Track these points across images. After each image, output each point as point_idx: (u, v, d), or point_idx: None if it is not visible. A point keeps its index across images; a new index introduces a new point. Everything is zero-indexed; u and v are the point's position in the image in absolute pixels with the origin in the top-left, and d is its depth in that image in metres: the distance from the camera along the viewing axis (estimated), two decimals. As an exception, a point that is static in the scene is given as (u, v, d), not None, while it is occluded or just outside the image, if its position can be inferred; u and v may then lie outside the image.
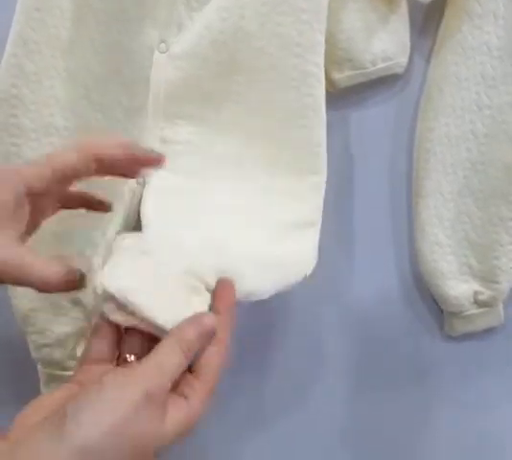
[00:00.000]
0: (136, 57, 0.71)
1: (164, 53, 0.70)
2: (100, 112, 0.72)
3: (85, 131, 0.72)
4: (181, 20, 0.70)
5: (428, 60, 0.78)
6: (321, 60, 0.69)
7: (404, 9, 0.74)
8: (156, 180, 0.70)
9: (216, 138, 0.71)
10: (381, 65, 0.75)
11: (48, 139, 0.73)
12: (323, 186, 0.71)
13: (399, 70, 0.76)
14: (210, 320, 0.53)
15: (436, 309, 0.83)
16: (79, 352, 0.77)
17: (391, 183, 0.80)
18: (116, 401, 0.45)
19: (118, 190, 0.71)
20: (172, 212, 0.69)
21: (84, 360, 0.53)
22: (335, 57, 0.73)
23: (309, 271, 0.68)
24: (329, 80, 0.74)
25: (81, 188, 0.61)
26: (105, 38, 0.71)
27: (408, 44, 0.76)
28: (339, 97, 0.77)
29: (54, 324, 0.76)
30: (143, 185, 0.71)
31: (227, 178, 0.71)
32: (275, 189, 0.71)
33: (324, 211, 0.71)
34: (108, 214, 0.68)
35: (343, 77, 0.75)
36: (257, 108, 0.70)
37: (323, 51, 0.69)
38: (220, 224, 0.69)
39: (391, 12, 0.74)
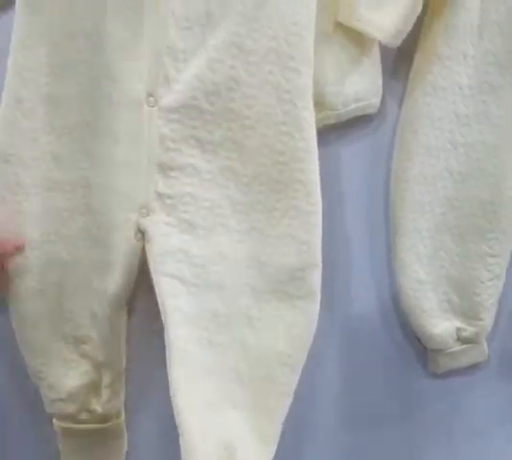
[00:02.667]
0: (124, 111, 0.71)
1: (153, 106, 0.71)
2: (97, 166, 0.72)
3: (85, 184, 0.73)
4: (168, 72, 0.70)
5: (400, 101, 0.78)
6: (310, 103, 0.71)
7: (375, 51, 0.75)
8: (159, 237, 0.71)
9: (211, 186, 0.72)
10: (353, 106, 0.75)
11: (49, 193, 0.73)
12: (319, 223, 0.72)
13: (371, 111, 0.77)
14: None
15: (420, 345, 0.82)
16: (91, 404, 0.76)
17: (368, 221, 0.81)
18: None
19: (114, 243, 0.72)
20: None
21: None
22: None
23: None
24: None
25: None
26: (93, 93, 0.71)
27: (381, 85, 0.76)
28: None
29: (64, 378, 0.75)
30: (141, 240, 0.71)
31: (224, 225, 0.72)
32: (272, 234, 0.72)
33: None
34: (105, 269, 0.71)
35: (315, 119, 0.74)
36: (252, 155, 0.71)
37: (311, 93, 0.70)
38: None
39: (363, 55, 0.75)
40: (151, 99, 0.71)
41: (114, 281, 0.73)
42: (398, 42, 0.71)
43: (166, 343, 0.69)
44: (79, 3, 0.70)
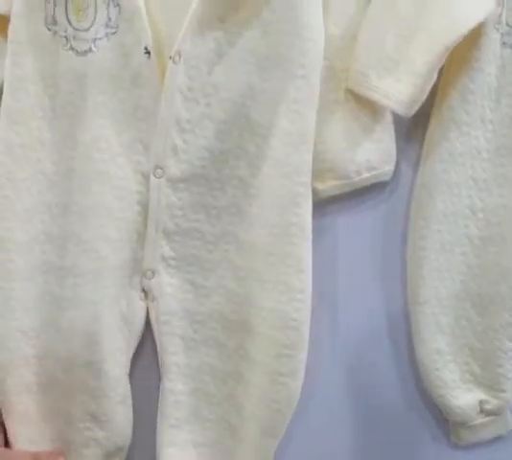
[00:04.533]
0: (125, 185, 0.70)
1: (161, 178, 0.70)
2: (89, 249, 0.70)
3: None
4: (175, 143, 0.69)
5: (415, 167, 0.75)
6: (308, 179, 0.70)
7: (388, 117, 0.72)
8: (163, 297, 0.72)
9: (213, 248, 0.72)
10: (365, 175, 0.73)
11: (44, 277, 0.72)
12: (309, 300, 0.70)
13: (385, 178, 0.74)
14: None
15: (442, 416, 0.79)
16: None
17: (385, 291, 0.78)
18: None
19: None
20: None
21: None
22: (316, 167, 0.71)
23: None
24: (312, 190, 0.72)
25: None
26: (88, 168, 0.70)
27: (394, 152, 0.74)
28: (326, 203, 0.75)
29: None
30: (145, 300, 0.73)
31: (224, 287, 0.72)
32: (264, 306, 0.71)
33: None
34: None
35: (326, 187, 0.73)
36: (252, 222, 0.71)
37: (310, 169, 0.70)
38: None
39: (375, 122, 0.72)
40: (159, 171, 0.70)
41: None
42: (412, 112, 0.68)
43: (160, 395, 0.73)
44: (73, 80, 0.69)
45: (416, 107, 0.68)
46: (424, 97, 0.67)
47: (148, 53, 0.67)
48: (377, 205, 0.76)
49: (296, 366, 0.71)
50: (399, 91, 0.67)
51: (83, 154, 0.70)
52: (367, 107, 0.71)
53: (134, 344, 0.73)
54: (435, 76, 0.67)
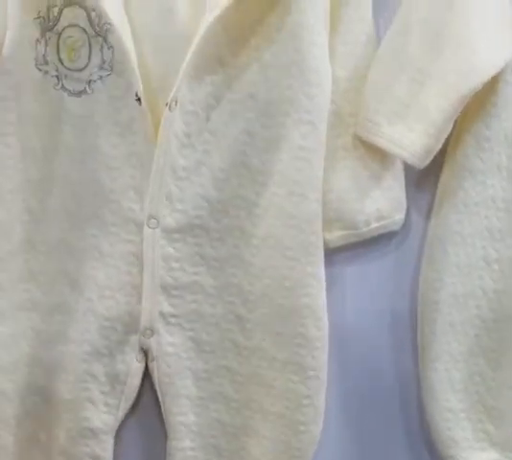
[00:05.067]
0: (118, 233, 0.67)
1: (155, 228, 0.66)
2: (80, 290, 0.68)
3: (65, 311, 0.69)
4: (170, 192, 0.66)
5: (426, 214, 0.72)
6: (319, 228, 0.67)
7: (398, 164, 0.68)
8: (164, 357, 0.69)
9: (217, 302, 0.68)
10: (375, 225, 0.69)
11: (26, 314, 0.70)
12: (326, 348, 0.68)
13: (395, 228, 0.71)
14: None
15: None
16: None
17: (393, 345, 0.74)
18: None
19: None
20: None
21: None
22: (324, 217, 0.68)
23: None
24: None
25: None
26: (80, 211, 0.67)
27: (404, 201, 0.70)
28: (333, 252, 0.71)
29: None
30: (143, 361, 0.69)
31: (231, 340, 0.69)
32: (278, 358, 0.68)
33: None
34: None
35: (334, 237, 0.70)
36: (257, 274, 0.68)
37: (321, 218, 0.67)
38: None
39: (384, 169, 0.68)
40: (154, 221, 0.66)
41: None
42: (425, 164, 0.64)
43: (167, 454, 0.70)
44: (66, 120, 0.66)
45: (430, 158, 0.64)
46: (438, 147, 0.64)
47: (138, 99, 0.63)
48: (386, 255, 0.73)
49: (317, 411, 0.68)
50: (412, 141, 0.63)
51: (76, 195, 0.67)
52: (376, 154, 0.68)
53: (126, 405, 0.70)
54: (451, 125, 0.63)
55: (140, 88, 0.63)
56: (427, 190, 0.72)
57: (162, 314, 0.68)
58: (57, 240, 0.68)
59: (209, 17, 0.60)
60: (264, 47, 0.63)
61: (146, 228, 0.66)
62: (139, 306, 0.68)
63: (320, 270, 0.67)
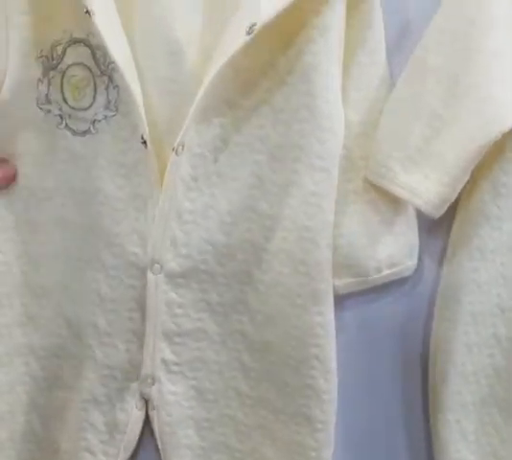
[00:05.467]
0: (119, 277, 0.65)
1: (159, 274, 0.64)
2: (79, 336, 0.66)
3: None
4: (174, 235, 0.63)
5: (439, 259, 0.69)
6: (329, 275, 0.64)
7: (410, 209, 0.66)
8: (166, 406, 0.66)
9: (221, 349, 0.66)
10: (386, 272, 0.67)
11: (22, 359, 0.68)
12: (335, 401, 0.66)
13: (407, 274, 0.68)
14: None
15: None
16: None
17: (403, 394, 0.71)
18: None
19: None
20: None
21: None
22: (334, 263, 0.65)
23: None
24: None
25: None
26: (79, 254, 0.65)
27: (417, 246, 0.68)
28: (342, 297, 0.68)
29: None
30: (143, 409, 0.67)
31: (235, 389, 0.67)
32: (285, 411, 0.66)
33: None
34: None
35: (344, 284, 0.67)
36: (264, 322, 0.65)
37: (331, 265, 0.64)
38: None
39: (396, 214, 0.66)
40: (157, 266, 0.64)
41: None
42: (441, 213, 0.62)
43: None
44: (68, 160, 0.64)
45: (445, 207, 0.62)
46: (454, 196, 0.61)
47: (144, 142, 0.61)
48: (397, 301, 0.70)
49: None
50: (427, 189, 0.61)
51: (77, 237, 0.65)
52: (388, 198, 0.65)
53: (126, 455, 0.67)
54: (468, 175, 0.61)
55: (146, 131, 0.60)
56: (439, 234, 0.69)
57: (164, 362, 0.65)
58: (55, 283, 0.66)
59: (219, 61, 0.58)
60: (274, 89, 0.61)
61: (149, 273, 0.64)
62: (140, 353, 0.65)
63: (330, 320, 0.64)
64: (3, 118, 0.63)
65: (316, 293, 0.63)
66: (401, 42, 0.66)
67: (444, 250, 0.69)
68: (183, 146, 0.61)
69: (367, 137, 0.65)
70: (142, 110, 0.60)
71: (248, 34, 0.57)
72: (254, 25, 0.57)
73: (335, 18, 0.60)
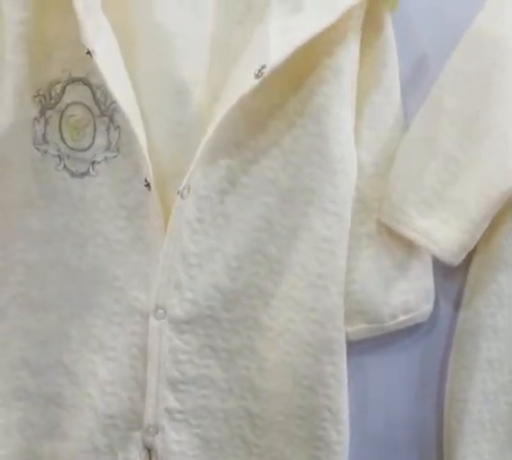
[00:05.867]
0: (121, 323, 0.62)
1: (162, 319, 0.61)
2: (77, 383, 0.64)
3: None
4: (179, 280, 0.61)
5: (454, 303, 0.67)
6: (341, 323, 0.61)
7: (426, 254, 0.63)
8: (169, 456, 0.63)
9: (227, 396, 0.63)
10: (401, 318, 0.64)
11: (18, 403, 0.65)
12: (346, 453, 0.63)
13: (423, 320, 0.66)
14: None
15: None
16: None
17: (417, 445, 0.70)
18: None
19: None
20: None
21: None
22: (346, 309, 0.62)
23: None
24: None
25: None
26: (80, 299, 0.62)
27: (433, 290, 0.65)
28: (356, 342, 0.66)
29: None
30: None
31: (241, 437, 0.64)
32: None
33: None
34: None
35: (356, 330, 0.65)
36: (272, 370, 0.62)
37: (343, 313, 0.61)
38: None
39: (411, 257, 0.64)
40: (161, 311, 0.61)
41: None
42: (459, 261, 0.59)
43: None
44: (66, 202, 0.61)
45: (464, 255, 0.59)
46: (474, 244, 0.59)
47: (148, 185, 0.58)
48: (412, 345, 0.68)
49: None
50: (446, 236, 0.58)
51: (76, 282, 0.62)
52: (402, 241, 0.63)
53: None
54: (488, 221, 0.58)
55: (150, 174, 0.58)
56: (455, 277, 0.67)
57: (168, 410, 0.63)
58: (53, 329, 0.63)
59: (227, 104, 0.55)
60: (284, 131, 0.59)
61: (152, 319, 0.61)
62: (143, 402, 0.62)
63: (342, 369, 0.61)
64: None
65: (328, 342, 0.61)
66: (415, 80, 0.63)
67: (460, 294, 0.67)
68: (189, 189, 0.58)
69: (380, 178, 0.62)
70: (146, 152, 0.57)
71: (257, 77, 0.54)
72: (264, 67, 0.54)
73: (349, 58, 0.57)
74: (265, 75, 0.54)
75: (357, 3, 0.55)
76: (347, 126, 0.58)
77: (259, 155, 0.59)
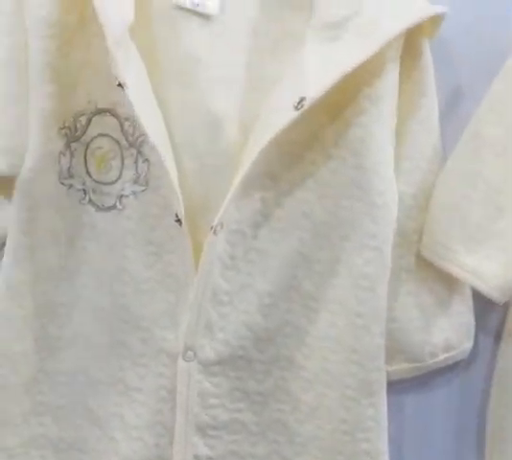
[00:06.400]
0: (148, 365, 0.59)
1: (191, 361, 0.58)
2: (101, 427, 0.61)
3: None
4: (210, 319, 0.58)
5: (495, 338, 0.64)
6: (382, 363, 0.58)
7: (465, 285, 0.60)
8: None
9: (258, 440, 0.60)
10: (442, 357, 0.62)
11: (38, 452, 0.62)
12: None
13: (462, 357, 0.63)
14: None
15: None
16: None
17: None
18: None
19: None
20: None
21: None
22: (385, 347, 0.59)
23: None
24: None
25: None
26: (103, 339, 0.60)
27: (473, 326, 0.63)
28: (393, 381, 0.62)
29: None
30: None
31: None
32: None
33: None
34: None
35: (396, 370, 0.62)
36: (308, 419, 0.60)
37: (383, 351, 0.58)
38: None
39: (451, 292, 0.61)
40: (190, 353, 0.58)
41: None
42: (507, 299, 0.56)
43: None
44: (91, 237, 0.59)
45: (512, 293, 0.56)
46: (523, 279, 0.56)
47: (178, 221, 0.55)
48: (451, 382, 0.65)
49: None
50: (494, 273, 0.55)
51: (100, 321, 0.60)
52: (442, 275, 0.60)
53: None
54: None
55: (181, 209, 0.55)
56: (495, 310, 0.63)
57: (197, 457, 0.59)
58: (76, 370, 0.61)
59: (264, 136, 0.53)
60: (320, 163, 0.56)
61: (180, 361, 0.58)
62: (170, 448, 0.59)
63: (382, 411, 0.59)
64: (24, 196, 0.58)
65: (368, 383, 0.58)
66: (453, 109, 0.61)
67: (500, 327, 0.64)
68: (222, 224, 0.56)
69: (420, 210, 0.60)
70: (177, 187, 0.55)
71: (297, 109, 0.52)
72: (303, 100, 0.52)
73: (388, 87, 0.55)
74: (305, 107, 0.51)
75: (398, 32, 0.53)
76: (388, 157, 0.56)
77: (294, 188, 0.57)
